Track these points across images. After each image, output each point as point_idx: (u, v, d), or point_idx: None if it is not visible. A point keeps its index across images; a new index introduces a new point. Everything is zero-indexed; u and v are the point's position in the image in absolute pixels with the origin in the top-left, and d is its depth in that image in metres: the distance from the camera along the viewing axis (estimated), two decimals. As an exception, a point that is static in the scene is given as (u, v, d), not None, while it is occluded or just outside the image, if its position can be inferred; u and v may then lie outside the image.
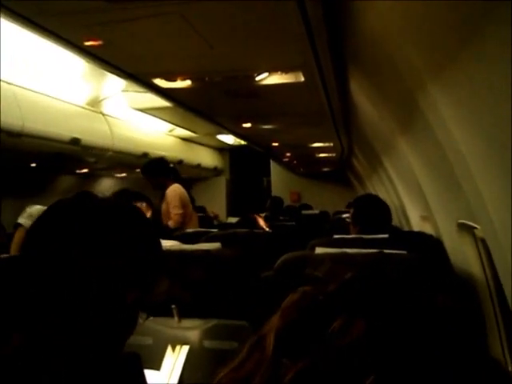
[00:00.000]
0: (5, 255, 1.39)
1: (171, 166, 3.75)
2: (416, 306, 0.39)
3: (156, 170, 3.42)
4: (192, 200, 3.66)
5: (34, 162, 3.65)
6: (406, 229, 3.52)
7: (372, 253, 1.38)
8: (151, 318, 1.38)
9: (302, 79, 2.44)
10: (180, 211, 3.34)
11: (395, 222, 4.31)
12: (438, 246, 2.10)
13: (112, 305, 0.65)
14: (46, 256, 0.63)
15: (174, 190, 3.40)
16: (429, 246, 2.03)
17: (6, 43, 2.45)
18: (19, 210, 4.07)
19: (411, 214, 3.18)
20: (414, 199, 2.80)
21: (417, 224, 2.99)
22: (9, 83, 2.75)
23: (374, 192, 5.14)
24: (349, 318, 0.38)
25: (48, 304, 0.62)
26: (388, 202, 4.23)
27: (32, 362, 0.58)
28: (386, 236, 1.73)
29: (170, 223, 3.33)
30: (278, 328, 0.40)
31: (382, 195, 4.36)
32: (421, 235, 2.26)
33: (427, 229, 2.47)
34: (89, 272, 0.63)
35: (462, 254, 1.81)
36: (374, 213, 1.88)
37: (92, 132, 3.63)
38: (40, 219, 0.67)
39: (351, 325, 0.37)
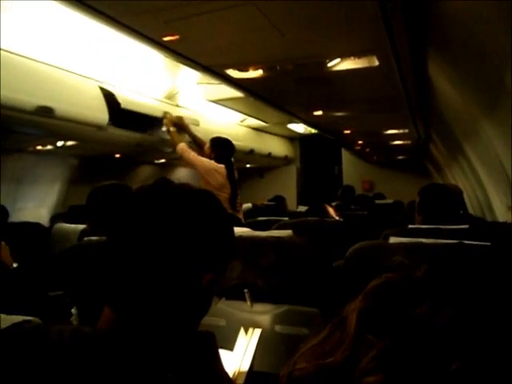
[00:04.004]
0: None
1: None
2: (505, 297, 0.38)
3: (221, 146, 3.44)
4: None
5: (119, 153, 3.92)
6: (489, 220, 3.28)
7: (450, 243, 1.31)
8: (224, 299, 1.44)
9: (377, 63, 2.35)
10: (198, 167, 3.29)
11: (477, 212, 4.03)
12: (526, 238, 1.95)
13: (189, 286, 0.68)
14: (130, 239, 0.68)
15: (222, 170, 3.34)
16: (516, 239, 1.89)
17: (93, 45, 2.65)
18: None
19: (496, 203, 2.96)
20: (499, 188, 2.60)
21: (502, 215, 2.78)
22: (96, 81, 2.97)
23: (454, 181, 4.85)
24: (436, 304, 0.38)
25: (132, 284, 0.67)
26: (469, 191, 3.99)
27: (122, 337, 0.64)
28: (465, 226, 1.63)
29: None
30: (361, 308, 0.40)
31: (463, 184, 4.10)
32: (507, 226, 2.10)
33: (515, 220, 2.29)
34: (169, 254, 0.67)
35: (555, 247, 1.66)
36: (438, 202, 1.80)
37: (169, 124, 3.79)
38: (124, 204, 0.72)
39: (438, 311, 0.37)
